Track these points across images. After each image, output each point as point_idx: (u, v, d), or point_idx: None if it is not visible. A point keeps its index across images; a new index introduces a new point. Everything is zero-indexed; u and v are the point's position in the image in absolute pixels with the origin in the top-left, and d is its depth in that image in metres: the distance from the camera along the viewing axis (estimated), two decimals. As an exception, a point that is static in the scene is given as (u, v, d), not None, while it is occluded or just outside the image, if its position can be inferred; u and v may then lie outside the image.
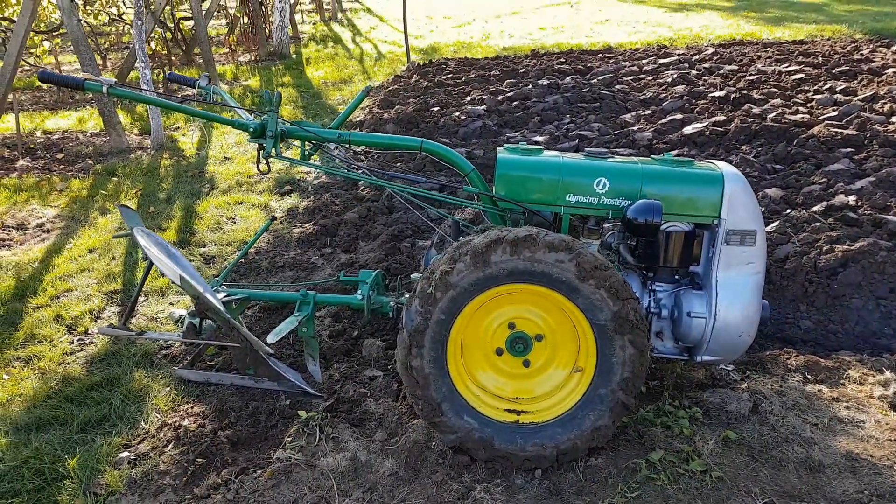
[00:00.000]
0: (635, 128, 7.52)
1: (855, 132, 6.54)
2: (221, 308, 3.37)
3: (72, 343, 4.64)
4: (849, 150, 6.30)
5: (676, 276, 3.45)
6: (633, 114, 8.10)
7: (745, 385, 3.62)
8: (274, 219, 4.16)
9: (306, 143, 3.60)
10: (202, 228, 6.20)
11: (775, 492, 2.94)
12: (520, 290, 3.07)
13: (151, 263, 3.63)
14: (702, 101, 8.20)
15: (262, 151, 3.44)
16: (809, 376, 3.72)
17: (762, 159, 6.25)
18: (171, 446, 3.58)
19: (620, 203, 3.28)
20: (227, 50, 16.66)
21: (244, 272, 5.40)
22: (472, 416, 3.14)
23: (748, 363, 3.87)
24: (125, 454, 3.54)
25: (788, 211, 5.30)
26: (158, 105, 3.68)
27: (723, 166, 3.36)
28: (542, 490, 3.05)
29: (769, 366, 3.82)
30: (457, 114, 8.63)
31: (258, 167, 3.54)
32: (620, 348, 3.00)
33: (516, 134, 7.68)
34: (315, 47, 18.49)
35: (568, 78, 9.99)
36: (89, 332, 4.74)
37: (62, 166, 8.11)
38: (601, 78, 9.97)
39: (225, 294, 3.82)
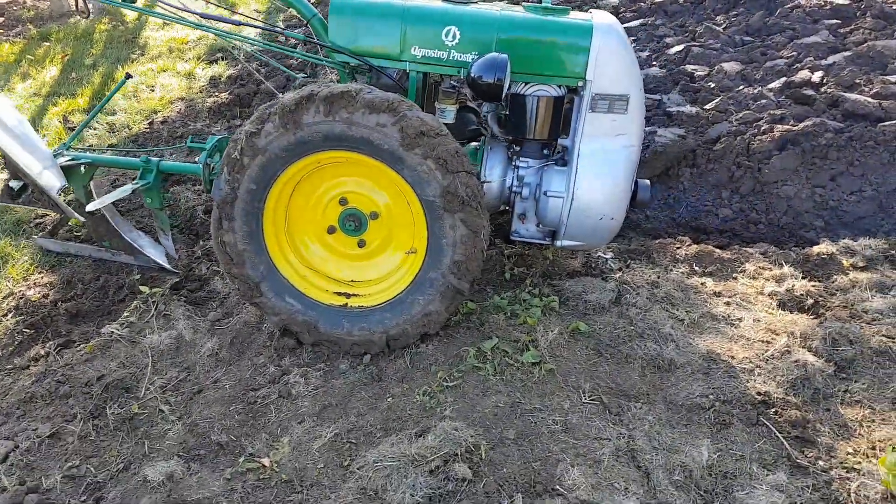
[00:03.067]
0: (606, -6, 6.74)
1: (847, 2, 5.71)
2: (30, 170, 3.06)
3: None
4: (834, 21, 5.52)
5: (546, 151, 3.02)
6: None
7: (619, 275, 3.26)
8: (129, 76, 3.76)
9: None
10: (117, 96, 5.81)
11: (608, 389, 2.65)
12: (345, 160, 2.69)
13: None
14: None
15: None
16: (697, 268, 3.34)
17: (732, 30, 5.53)
18: (10, 315, 3.41)
19: (473, 58, 2.78)
20: None
21: (143, 142, 5.07)
22: (295, 297, 2.86)
23: (633, 252, 3.50)
24: (-36, 322, 3.39)
25: (741, 87, 4.69)
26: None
27: (599, 17, 2.82)
28: (365, 376, 2.81)
29: (656, 255, 3.44)
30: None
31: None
32: (451, 228, 2.64)
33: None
34: None
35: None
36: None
37: (0, 30, 7.68)
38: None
39: (69, 158, 3.50)
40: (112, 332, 3.13)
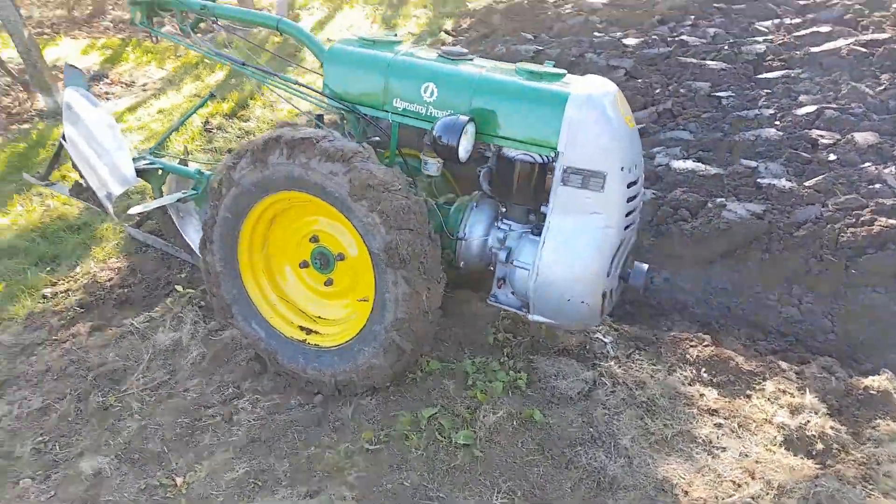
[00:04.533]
0: (760, 39, 5.97)
1: None
2: (84, 180, 3.48)
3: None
4: None
5: (531, 216, 2.80)
6: (775, 22, 6.42)
7: (609, 364, 2.92)
8: (213, 95, 4.13)
9: (186, 15, 3.43)
10: (255, 105, 6.42)
11: (529, 495, 2.40)
12: (309, 201, 2.74)
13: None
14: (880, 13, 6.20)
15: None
16: (706, 374, 2.87)
17: (890, 93, 4.61)
18: (78, 292, 3.93)
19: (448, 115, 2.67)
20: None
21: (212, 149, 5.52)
22: (259, 324, 2.97)
23: (641, 340, 3.10)
24: (46, 290, 3.98)
25: (866, 165, 3.92)
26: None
27: (585, 86, 2.55)
28: (308, 417, 2.83)
29: (664, 350, 3.01)
30: (568, 7, 7.61)
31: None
32: (393, 284, 2.58)
33: (618, 34, 6.60)
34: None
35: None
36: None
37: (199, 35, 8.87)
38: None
39: (147, 162, 3.95)
40: (132, 324, 3.48)
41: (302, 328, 2.97)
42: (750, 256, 3.56)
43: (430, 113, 2.72)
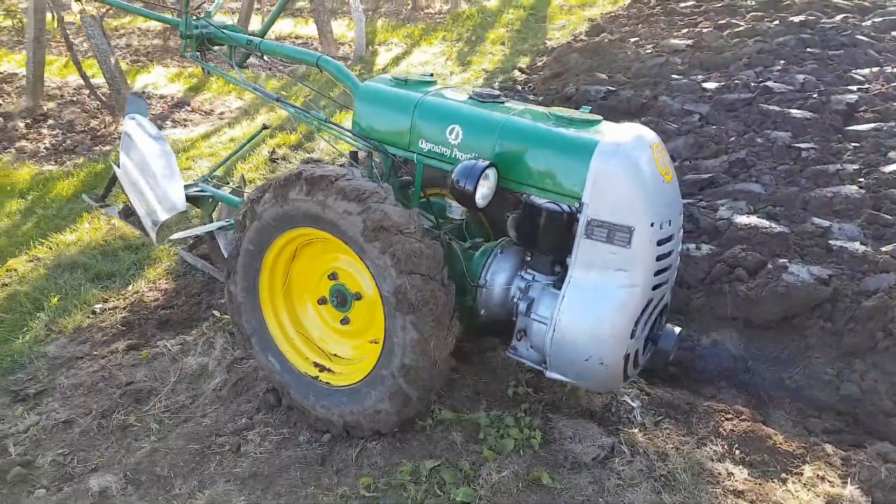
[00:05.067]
0: (854, 88, 5.57)
1: None
2: (136, 210, 3.62)
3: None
4: None
5: (557, 268, 2.66)
6: (874, 70, 5.98)
7: (633, 431, 2.70)
8: (266, 127, 4.24)
9: (235, 50, 3.54)
10: (320, 137, 6.56)
11: (519, 565, 2.22)
12: (326, 238, 2.71)
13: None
14: None
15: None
16: (737, 451, 2.60)
17: None
18: (124, 310, 4.08)
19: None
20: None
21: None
22: (276, 357, 2.95)
23: (673, 407, 2.85)
24: (97, 306, 4.15)
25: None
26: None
27: (618, 134, 2.41)
28: (313, 455, 2.77)
29: (696, 419, 2.76)
30: (649, 47, 7.40)
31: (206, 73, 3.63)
32: (401, 328, 2.50)
33: (699, 77, 6.34)
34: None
35: (838, 17, 7.72)
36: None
37: (283, 65, 9.24)
38: (880, 20, 7.48)
39: (198, 189, 4.08)
40: (165, 345, 3.56)
41: (316, 364, 2.93)
42: (809, 325, 3.25)
43: (455, 155, 2.66)
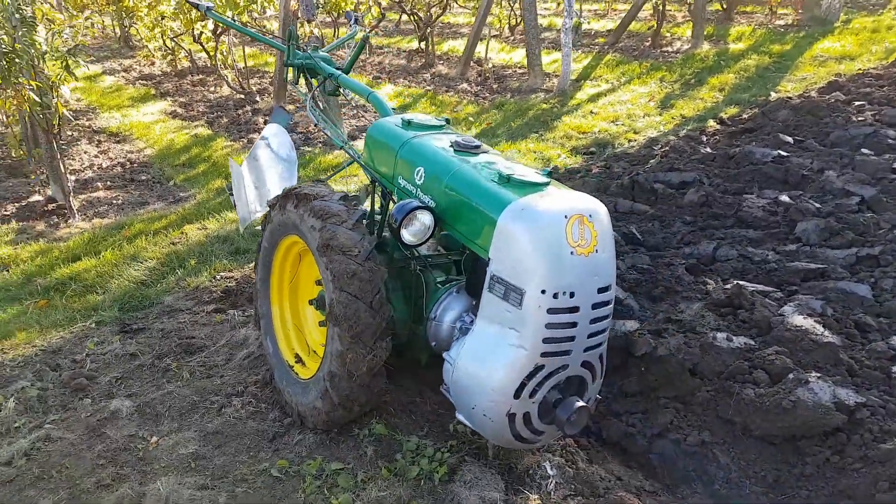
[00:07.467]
0: None
1: None
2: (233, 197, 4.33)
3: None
4: None
5: (492, 314, 2.71)
6: None
7: (530, 497, 2.62)
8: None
9: (328, 80, 4.05)
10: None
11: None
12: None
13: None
14: None
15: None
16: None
17: None
18: (233, 281, 4.89)
19: (429, 201, 2.78)
20: (767, 11, 15.13)
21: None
22: (271, 342, 3.41)
23: (594, 489, 2.67)
24: (220, 274, 5.03)
25: None
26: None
27: (533, 198, 2.41)
28: (269, 431, 3.14)
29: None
30: (869, 114, 6.45)
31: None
32: (331, 338, 2.80)
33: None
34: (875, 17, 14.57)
35: None
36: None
37: (489, 93, 9.81)
38: None
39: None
40: (234, 314, 4.24)
41: (296, 355, 3.33)
42: (814, 452, 2.80)
43: (418, 194, 2.86)
